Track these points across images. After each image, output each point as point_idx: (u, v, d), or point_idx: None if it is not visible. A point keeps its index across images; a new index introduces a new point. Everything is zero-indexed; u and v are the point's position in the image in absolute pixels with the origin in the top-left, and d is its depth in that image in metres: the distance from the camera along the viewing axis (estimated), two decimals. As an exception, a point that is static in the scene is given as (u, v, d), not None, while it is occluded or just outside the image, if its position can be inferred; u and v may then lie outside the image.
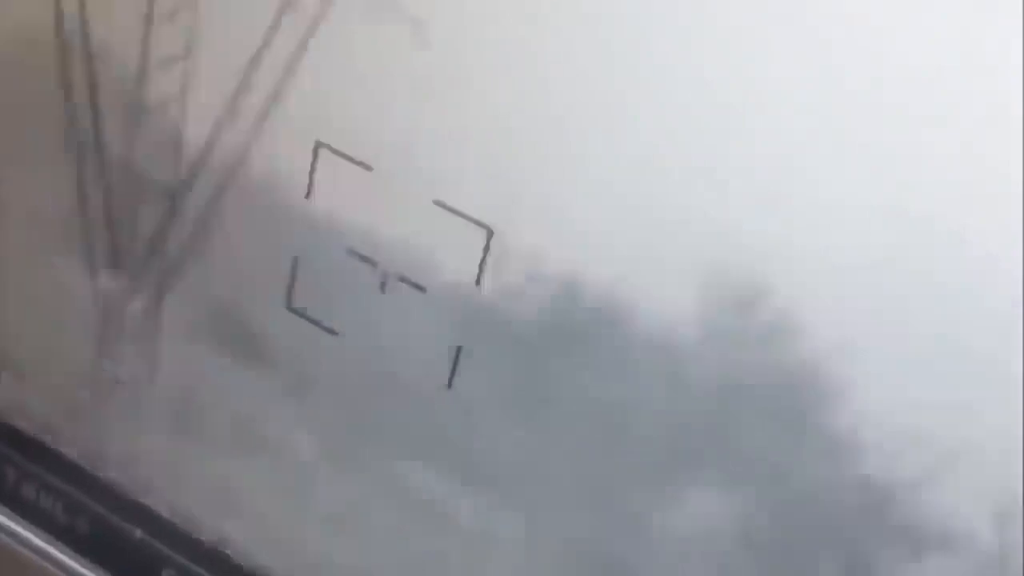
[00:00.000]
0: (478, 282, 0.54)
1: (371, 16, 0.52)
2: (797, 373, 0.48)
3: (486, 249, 0.54)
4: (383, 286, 0.57)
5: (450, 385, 0.57)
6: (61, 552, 0.71)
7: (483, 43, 0.51)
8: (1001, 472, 0.46)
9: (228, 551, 0.67)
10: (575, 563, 0.57)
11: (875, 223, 0.45)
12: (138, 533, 0.69)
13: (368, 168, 0.56)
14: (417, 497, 0.59)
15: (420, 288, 0.56)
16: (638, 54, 0.47)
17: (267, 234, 0.59)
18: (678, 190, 0.48)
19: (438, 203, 0.54)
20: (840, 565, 0.51)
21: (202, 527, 0.67)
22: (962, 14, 0.41)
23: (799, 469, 0.50)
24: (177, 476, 0.67)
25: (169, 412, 0.66)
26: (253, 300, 0.61)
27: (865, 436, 0.48)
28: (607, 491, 0.55)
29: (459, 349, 0.57)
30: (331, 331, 0.60)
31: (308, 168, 0.57)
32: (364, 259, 0.57)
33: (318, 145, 0.56)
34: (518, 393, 0.55)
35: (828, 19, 0.43)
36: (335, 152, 0.56)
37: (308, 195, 0.57)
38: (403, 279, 0.57)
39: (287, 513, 0.64)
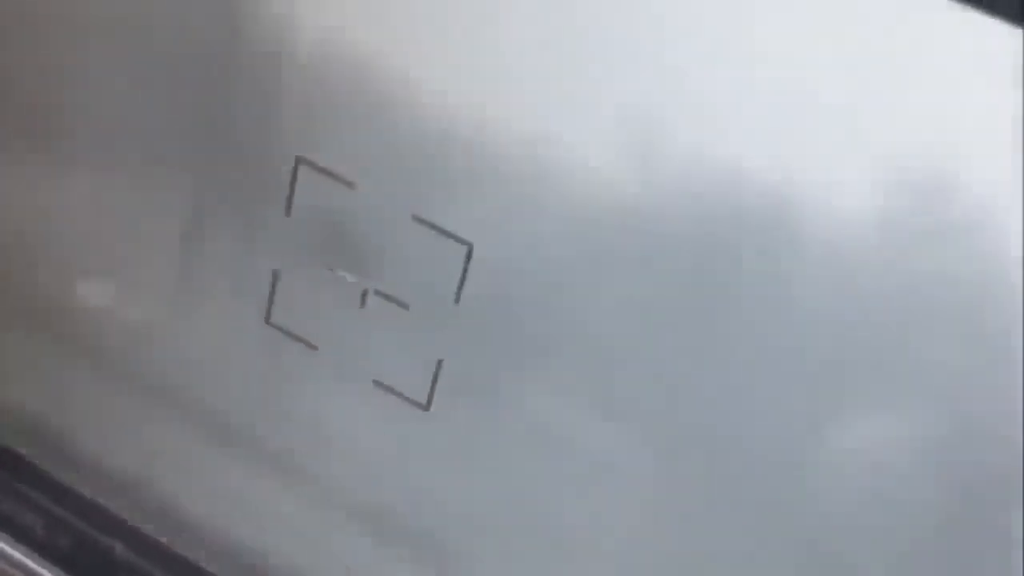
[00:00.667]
0: (457, 300, 0.53)
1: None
2: (989, 273, 0.45)
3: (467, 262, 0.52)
4: (362, 301, 0.56)
5: (429, 405, 0.56)
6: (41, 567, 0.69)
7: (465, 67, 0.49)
8: None
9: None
10: (731, 496, 0.53)
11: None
12: (118, 548, 0.68)
13: (350, 185, 0.53)
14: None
15: (402, 304, 0.55)
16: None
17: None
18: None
19: (417, 219, 0.53)
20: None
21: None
22: None
23: (990, 385, 0.46)
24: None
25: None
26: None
27: None
28: (767, 409, 0.50)
29: (439, 363, 0.55)
30: (311, 345, 0.58)
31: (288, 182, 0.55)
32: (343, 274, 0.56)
33: (299, 161, 0.54)
34: (674, 306, 0.51)
35: None
36: (315, 168, 0.54)
37: (288, 211, 0.56)
38: (383, 294, 0.55)
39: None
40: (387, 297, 0.56)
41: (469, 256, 0.53)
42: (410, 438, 0.58)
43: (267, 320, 0.59)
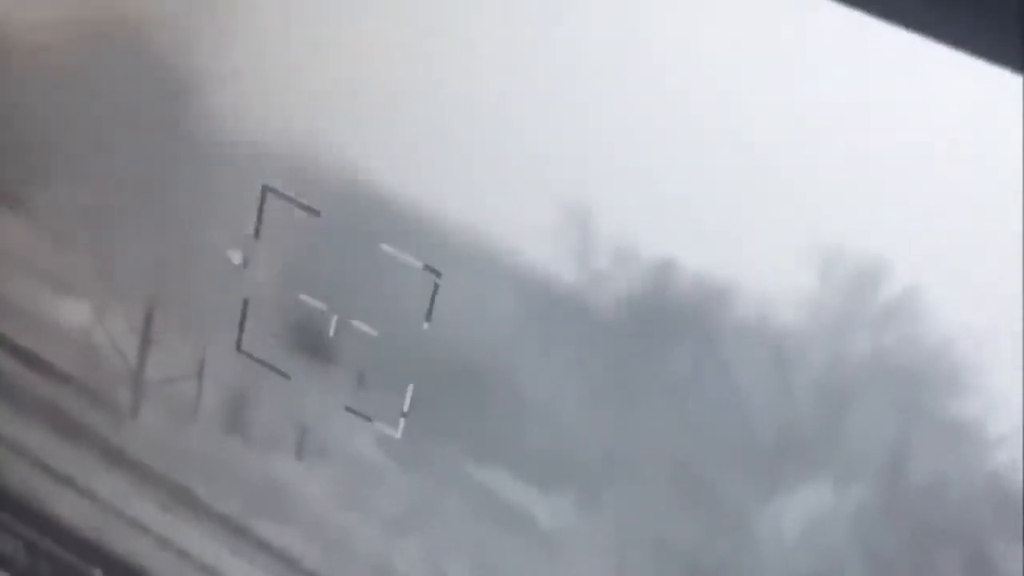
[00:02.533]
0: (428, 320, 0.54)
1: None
2: (920, 358, 0.46)
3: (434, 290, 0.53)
4: (333, 329, 0.56)
5: (402, 426, 0.56)
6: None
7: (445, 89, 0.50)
8: None
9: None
10: (668, 567, 0.54)
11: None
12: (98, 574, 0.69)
13: (316, 213, 0.55)
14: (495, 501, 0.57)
15: (369, 331, 0.55)
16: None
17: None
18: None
19: (386, 248, 0.53)
20: (961, 564, 0.48)
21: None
22: None
23: (920, 462, 0.47)
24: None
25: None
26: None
27: (995, 429, 0.45)
28: (705, 492, 0.52)
29: (412, 387, 0.56)
30: (283, 374, 0.59)
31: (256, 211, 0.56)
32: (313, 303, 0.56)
33: (265, 189, 0.55)
34: (605, 388, 0.52)
35: None
36: (282, 196, 0.55)
37: (256, 238, 0.57)
38: (352, 322, 0.56)
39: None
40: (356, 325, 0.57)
41: (436, 285, 0.54)
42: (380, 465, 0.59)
43: (238, 348, 0.60)
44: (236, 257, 0.57)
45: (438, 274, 0.53)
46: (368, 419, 0.58)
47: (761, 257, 0.47)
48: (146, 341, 0.63)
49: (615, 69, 0.46)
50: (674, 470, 0.52)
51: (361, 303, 0.56)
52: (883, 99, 0.43)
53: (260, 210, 0.56)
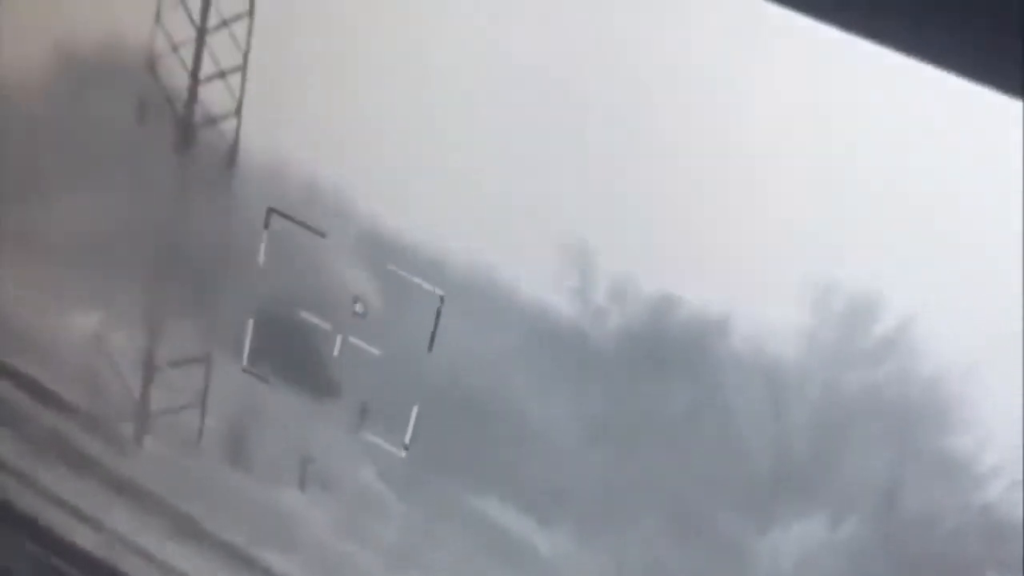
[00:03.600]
0: (430, 348, 0.54)
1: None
2: (913, 392, 0.46)
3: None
4: (337, 349, 0.57)
5: (407, 446, 0.57)
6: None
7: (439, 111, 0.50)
8: None
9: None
10: None
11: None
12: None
13: (321, 232, 0.55)
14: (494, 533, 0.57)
15: (373, 351, 0.56)
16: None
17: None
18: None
19: (392, 269, 0.54)
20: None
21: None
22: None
23: (913, 495, 0.48)
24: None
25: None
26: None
27: (987, 462, 0.46)
28: (702, 523, 0.52)
29: (416, 409, 0.56)
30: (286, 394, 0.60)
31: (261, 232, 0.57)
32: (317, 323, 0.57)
33: (270, 211, 0.56)
34: (604, 421, 0.53)
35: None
36: (287, 217, 0.56)
37: (261, 259, 0.57)
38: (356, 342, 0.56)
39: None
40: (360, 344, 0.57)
41: (441, 308, 0.54)
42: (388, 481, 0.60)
43: (243, 367, 0.60)
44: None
45: (442, 300, 0.54)
46: (376, 438, 0.59)
47: (757, 292, 0.47)
48: (150, 372, 0.63)
49: (614, 109, 0.47)
50: (671, 502, 0.53)
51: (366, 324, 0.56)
52: (876, 137, 0.43)
53: (266, 231, 0.57)
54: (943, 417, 0.46)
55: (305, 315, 0.57)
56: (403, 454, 0.57)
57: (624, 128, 0.47)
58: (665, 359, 0.50)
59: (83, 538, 0.70)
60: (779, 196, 0.46)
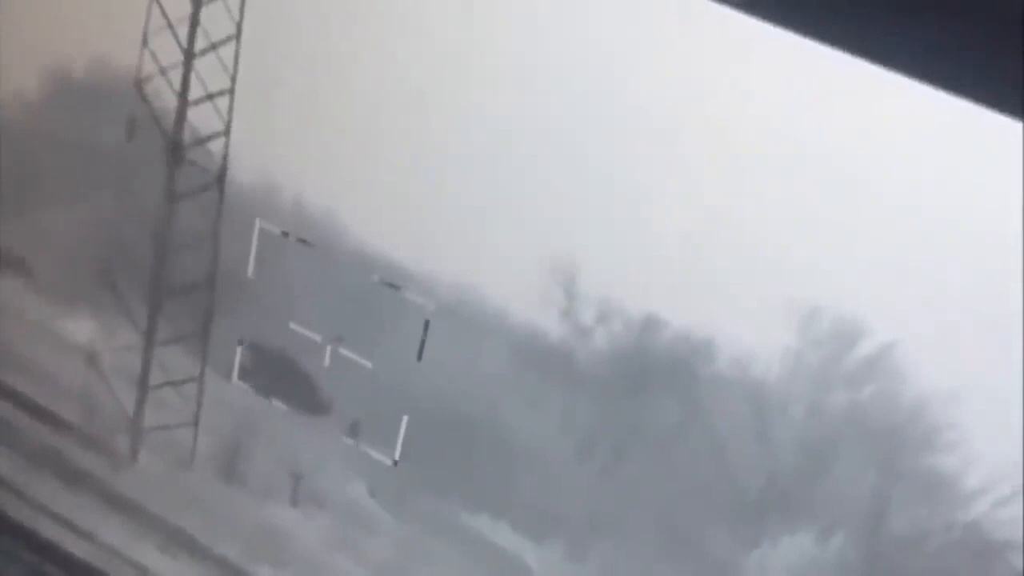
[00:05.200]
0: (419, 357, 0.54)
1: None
2: (897, 414, 0.47)
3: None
4: (328, 360, 0.57)
5: (396, 462, 0.57)
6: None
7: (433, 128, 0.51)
8: None
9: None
10: None
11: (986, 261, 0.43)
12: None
13: (310, 245, 0.56)
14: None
15: (364, 363, 0.56)
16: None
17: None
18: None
19: (382, 281, 0.54)
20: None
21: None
22: None
23: (897, 512, 0.48)
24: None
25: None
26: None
27: (972, 482, 0.46)
28: (690, 541, 0.53)
29: (405, 419, 0.56)
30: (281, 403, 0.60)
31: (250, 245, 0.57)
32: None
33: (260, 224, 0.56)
34: (592, 440, 0.53)
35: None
36: (275, 230, 0.56)
37: (249, 272, 0.58)
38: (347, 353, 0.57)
39: None
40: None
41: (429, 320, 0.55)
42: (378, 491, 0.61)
43: (236, 379, 0.61)
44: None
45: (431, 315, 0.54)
46: (367, 448, 0.59)
47: (742, 313, 0.48)
48: (144, 390, 0.64)
49: (601, 132, 0.47)
50: (661, 519, 0.53)
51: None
52: (861, 162, 0.44)
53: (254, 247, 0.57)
54: (928, 437, 0.47)
55: (295, 328, 0.58)
56: (392, 466, 0.58)
57: (610, 150, 0.48)
58: (651, 379, 0.51)
59: (78, 551, 0.70)
60: (764, 220, 0.46)
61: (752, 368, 0.48)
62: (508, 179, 0.50)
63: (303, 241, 0.55)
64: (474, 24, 0.48)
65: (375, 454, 0.58)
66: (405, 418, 0.57)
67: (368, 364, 0.56)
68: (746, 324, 0.48)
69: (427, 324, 0.54)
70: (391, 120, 0.51)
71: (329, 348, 0.57)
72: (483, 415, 0.55)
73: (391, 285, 0.54)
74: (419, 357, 0.55)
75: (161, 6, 0.54)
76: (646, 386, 0.51)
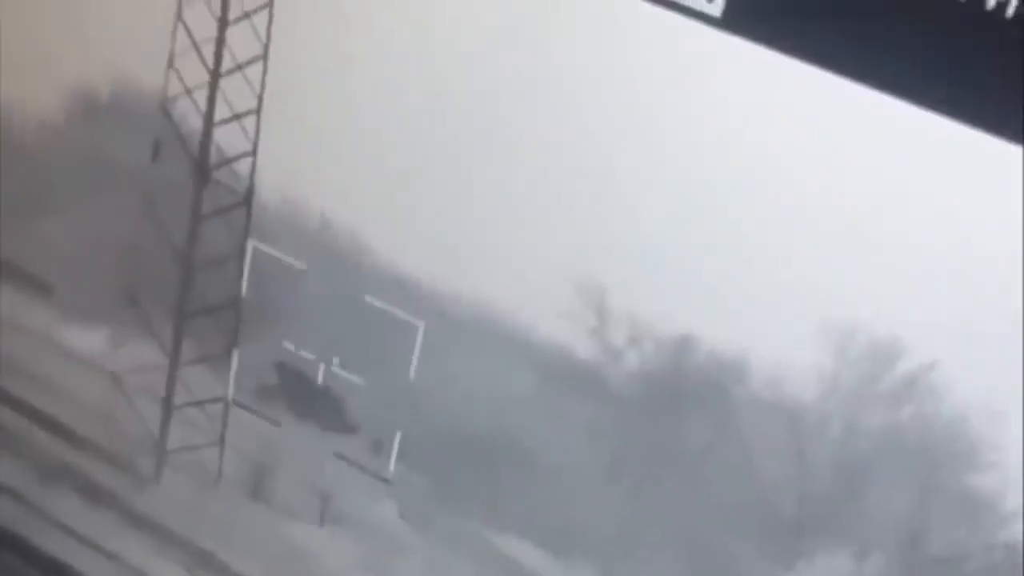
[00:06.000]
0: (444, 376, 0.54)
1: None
2: (936, 433, 0.46)
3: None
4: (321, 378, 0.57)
5: (388, 478, 0.57)
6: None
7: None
8: None
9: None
10: None
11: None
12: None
13: (301, 267, 0.56)
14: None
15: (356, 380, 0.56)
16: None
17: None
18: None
19: (371, 301, 0.54)
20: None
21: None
22: None
23: (936, 533, 0.47)
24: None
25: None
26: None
27: (1012, 502, 0.46)
28: (719, 563, 0.52)
29: (399, 436, 0.56)
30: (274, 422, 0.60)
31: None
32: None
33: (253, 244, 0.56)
34: (622, 461, 0.53)
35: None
36: (266, 249, 0.56)
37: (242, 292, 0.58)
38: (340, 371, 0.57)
39: None
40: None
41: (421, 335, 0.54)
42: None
43: (230, 400, 0.61)
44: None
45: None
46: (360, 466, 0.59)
47: (776, 333, 0.47)
48: (168, 410, 0.64)
49: (630, 148, 0.47)
50: (690, 541, 0.52)
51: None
52: (895, 179, 0.43)
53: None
54: (967, 457, 0.46)
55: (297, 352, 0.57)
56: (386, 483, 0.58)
57: (641, 166, 0.47)
58: (684, 399, 0.50)
59: (100, 572, 0.70)
60: (799, 238, 0.45)
61: (787, 388, 0.48)
62: (537, 196, 0.50)
63: (334, 260, 0.55)
64: (505, 44, 0.48)
65: (403, 474, 0.58)
66: (418, 436, 0.57)
67: (366, 382, 0.57)
68: (781, 344, 0.47)
69: (448, 343, 0.53)
70: (419, 139, 0.51)
71: (323, 368, 0.57)
72: (511, 435, 0.54)
73: (411, 303, 0.53)
74: (444, 376, 0.54)
75: (187, 27, 0.53)
76: (678, 406, 0.50)
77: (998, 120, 0.41)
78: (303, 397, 0.59)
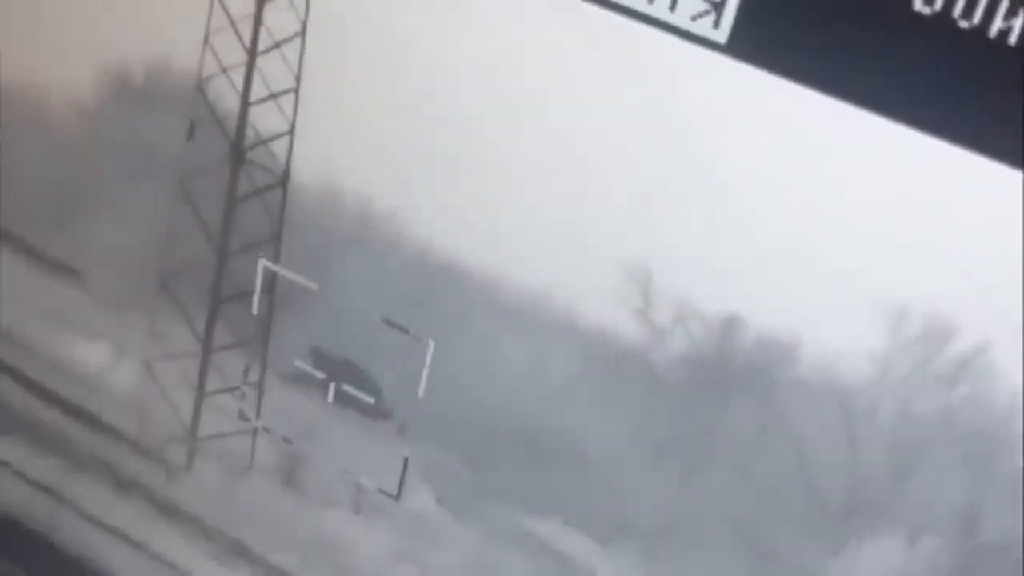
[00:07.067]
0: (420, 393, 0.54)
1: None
2: (991, 416, 0.45)
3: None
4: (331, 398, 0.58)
5: (398, 497, 0.57)
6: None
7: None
8: None
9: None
10: None
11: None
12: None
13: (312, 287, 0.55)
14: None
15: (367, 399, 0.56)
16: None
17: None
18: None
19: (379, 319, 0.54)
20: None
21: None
22: None
23: (990, 517, 0.47)
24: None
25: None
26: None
27: None
28: (770, 548, 0.51)
29: (406, 460, 0.56)
30: (286, 440, 0.60)
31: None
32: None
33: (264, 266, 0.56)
34: (668, 445, 0.52)
35: None
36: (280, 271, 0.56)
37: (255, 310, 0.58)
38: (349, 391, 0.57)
39: None
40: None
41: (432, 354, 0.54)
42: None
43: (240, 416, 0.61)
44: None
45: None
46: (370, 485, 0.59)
47: (827, 314, 0.46)
48: (200, 397, 0.63)
49: (676, 132, 0.46)
50: (739, 526, 0.52)
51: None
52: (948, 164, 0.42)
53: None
54: (1021, 440, 0.45)
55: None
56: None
57: (683, 146, 0.46)
58: (731, 383, 0.49)
59: (130, 562, 0.69)
60: (849, 218, 0.45)
61: (838, 371, 0.47)
62: (581, 178, 0.49)
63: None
64: (550, 21, 0.47)
65: (441, 460, 0.57)
66: (464, 420, 0.56)
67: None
68: (832, 326, 0.46)
69: (491, 328, 0.53)
70: (459, 120, 0.50)
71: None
72: (554, 420, 0.54)
73: (459, 283, 0.53)
74: (486, 358, 0.53)
75: (224, 4, 0.53)
76: (725, 390, 0.50)
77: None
78: (342, 380, 0.58)
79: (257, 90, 0.54)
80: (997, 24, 0.39)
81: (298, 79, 0.53)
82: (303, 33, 0.52)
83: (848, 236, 0.45)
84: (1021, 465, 0.45)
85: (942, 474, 0.47)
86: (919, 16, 0.40)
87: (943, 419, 0.46)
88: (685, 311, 0.49)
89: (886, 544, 0.49)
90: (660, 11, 0.44)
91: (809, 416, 0.48)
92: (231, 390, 0.62)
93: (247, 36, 0.53)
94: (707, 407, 0.50)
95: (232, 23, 0.53)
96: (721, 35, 0.44)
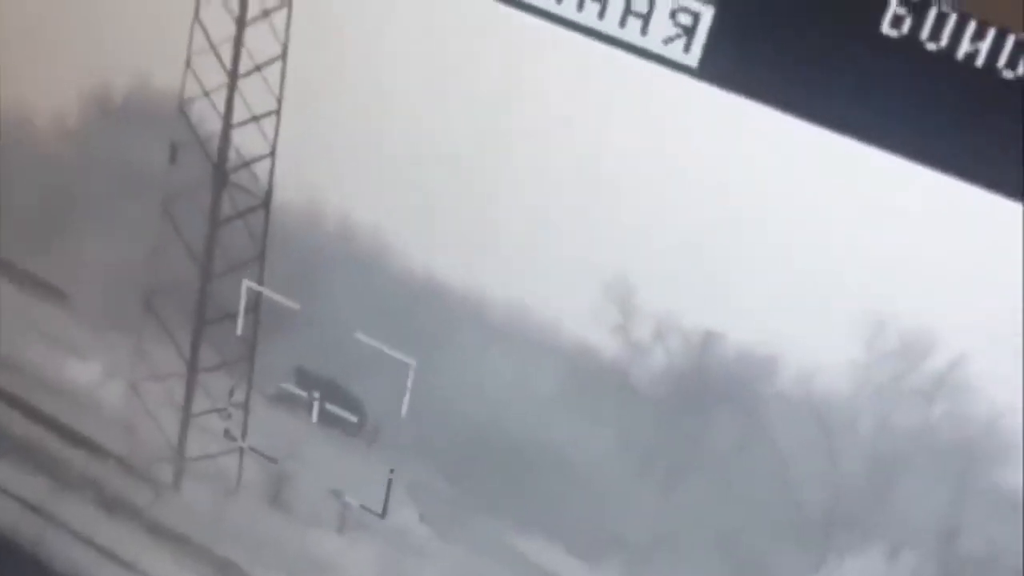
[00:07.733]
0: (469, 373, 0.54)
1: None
2: (969, 430, 0.45)
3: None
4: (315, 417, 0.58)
5: (384, 514, 0.57)
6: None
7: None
8: None
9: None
10: None
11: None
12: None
13: (294, 307, 0.56)
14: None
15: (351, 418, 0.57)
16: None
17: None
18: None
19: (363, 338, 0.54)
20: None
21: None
22: None
23: (969, 531, 0.47)
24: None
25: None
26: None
27: None
28: (749, 562, 0.52)
29: (390, 478, 0.57)
30: (272, 459, 0.60)
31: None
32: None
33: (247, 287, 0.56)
34: (649, 460, 0.52)
35: None
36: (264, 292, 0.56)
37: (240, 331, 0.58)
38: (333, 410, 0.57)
39: None
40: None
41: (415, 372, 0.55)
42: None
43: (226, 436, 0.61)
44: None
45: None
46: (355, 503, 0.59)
47: (806, 328, 0.47)
48: (187, 417, 0.63)
49: (654, 148, 0.47)
50: (721, 540, 0.52)
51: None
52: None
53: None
54: (1002, 455, 0.45)
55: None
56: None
57: (661, 165, 0.47)
58: (711, 397, 0.50)
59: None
60: (828, 232, 0.45)
61: (817, 384, 0.47)
62: (559, 195, 0.49)
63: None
64: (526, 47, 0.47)
65: (425, 477, 0.57)
66: (448, 437, 0.56)
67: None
68: (810, 339, 0.47)
69: (474, 344, 0.53)
70: (441, 140, 0.50)
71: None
72: (536, 436, 0.54)
73: (441, 301, 0.53)
74: (469, 375, 0.54)
75: (204, 27, 0.53)
76: (706, 404, 0.50)
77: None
78: (326, 399, 0.58)
79: (239, 112, 0.54)
80: (964, 47, 0.39)
81: (280, 101, 0.53)
82: (284, 56, 0.52)
83: (826, 252, 0.45)
84: (1000, 479, 0.46)
85: (921, 488, 0.47)
86: (887, 39, 0.40)
87: (922, 432, 0.46)
88: (665, 326, 0.49)
89: (866, 557, 0.49)
90: (632, 35, 0.45)
91: (789, 429, 0.49)
92: (217, 411, 0.62)
93: (228, 58, 0.53)
94: (689, 421, 0.50)
95: (212, 46, 0.53)
96: (692, 59, 0.44)
